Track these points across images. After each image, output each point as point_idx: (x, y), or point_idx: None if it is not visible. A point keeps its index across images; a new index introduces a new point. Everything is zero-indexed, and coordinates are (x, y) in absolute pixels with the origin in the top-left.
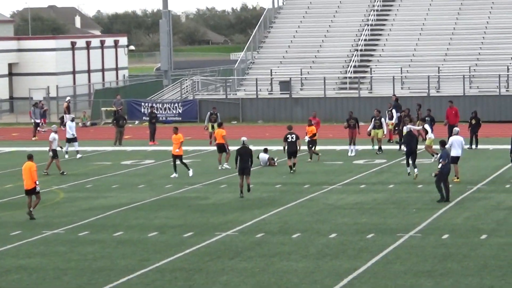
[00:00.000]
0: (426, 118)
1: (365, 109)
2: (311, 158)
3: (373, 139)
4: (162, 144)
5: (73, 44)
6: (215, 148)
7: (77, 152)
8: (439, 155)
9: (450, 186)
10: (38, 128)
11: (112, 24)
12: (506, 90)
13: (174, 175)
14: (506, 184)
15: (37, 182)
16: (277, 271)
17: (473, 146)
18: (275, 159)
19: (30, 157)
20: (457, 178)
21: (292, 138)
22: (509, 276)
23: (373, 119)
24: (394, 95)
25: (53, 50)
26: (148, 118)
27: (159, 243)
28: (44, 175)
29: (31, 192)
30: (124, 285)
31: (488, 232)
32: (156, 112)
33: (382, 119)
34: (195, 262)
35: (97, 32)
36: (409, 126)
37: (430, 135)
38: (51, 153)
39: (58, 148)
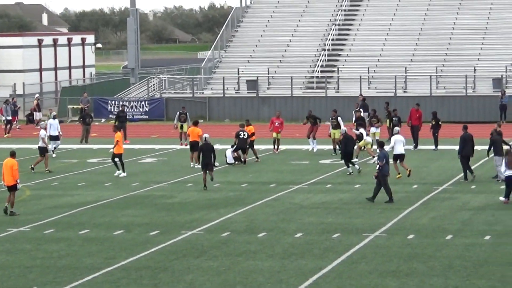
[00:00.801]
0: (394, 118)
1: (332, 108)
2: (257, 158)
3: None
4: (132, 142)
5: (40, 41)
6: (182, 147)
7: (53, 150)
8: (377, 156)
9: (416, 186)
10: (12, 126)
11: (80, 22)
12: (473, 91)
13: (119, 173)
14: (471, 184)
15: (18, 181)
16: (242, 270)
17: (434, 147)
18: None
19: (12, 154)
20: (399, 174)
21: (244, 135)
22: (473, 277)
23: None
24: (361, 95)
25: (19, 47)
26: (115, 116)
27: (125, 241)
28: (46, 173)
29: (12, 188)
30: (90, 283)
31: (454, 232)
32: (125, 111)
33: (339, 119)
34: (161, 261)
35: (64, 30)
36: (343, 128)
37: (366, 138)
38: (50, 147)
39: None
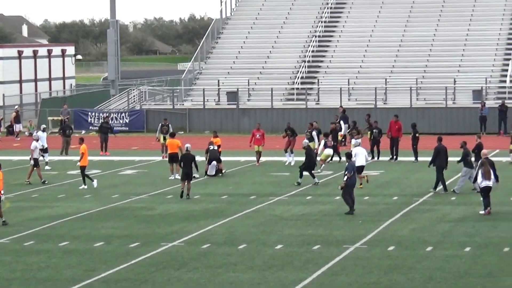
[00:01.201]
0: (374, 130)
1: (312, 120)
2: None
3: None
4: (112, 154)
5: (20, 53)
6: (163, 159)
7: (46, 163)
8: (345, 168)
9: (396, 198)
10: None
11: (60, 33)
12: (453, 102)
13: (92, 185)
14: (451, 196)
15: (2, 192)
16: (223, 282)
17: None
18: (224, 171)
19: None
20: (361, 185)
21: (213, 147)
22: None
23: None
24: (341, 106)
25: None
26: (98, 128)
27: (105, 253)
28: (26, 184)
29: None
30: None
31: (434, 244)
32: (110, 123)
33: (314, 133)
34: (141, 273)
35: (44, 41)
36: (305, 141)
37: (326, 151)
38: (32, 162)
39: (41, 158)
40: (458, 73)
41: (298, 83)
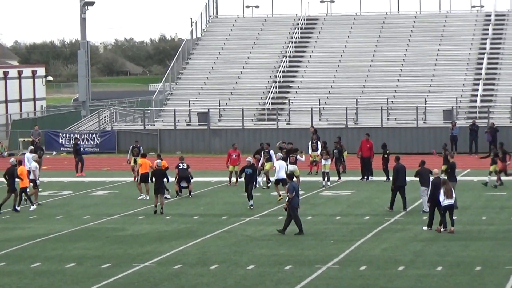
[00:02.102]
0: (334, 151)
1: (282, 140)
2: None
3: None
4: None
5: None
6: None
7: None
8: (287, 188)
9: (367, 218)
10: None
11: (30, 55)
12: (424, 122)
13: (33, 208)
14: (423, 215)
15: None
16: None
17: (385, 178)
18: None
19: None
20: (281, 196)
21: (183, 166)
22: None
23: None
24: (312, 126)
25: None
26: (72, 150)
27: (77, 274)
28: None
29: None
30: None
31: (406, 263)
32: (79, 144)
33: (271, 152)
34: None
35: (15, 63)
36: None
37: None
38: (38, 182)
39: (38, 180)
40: (429, 93)
41: (269, 104)
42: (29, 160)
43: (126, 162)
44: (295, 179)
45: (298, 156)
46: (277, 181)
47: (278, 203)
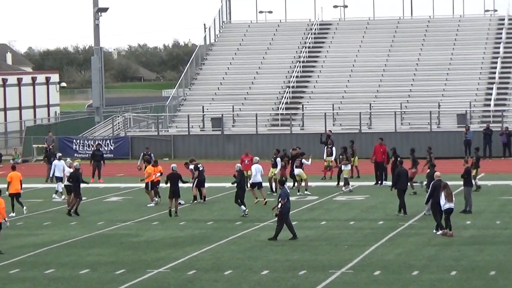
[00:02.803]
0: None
1: (297, 145)
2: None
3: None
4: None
5: (4, 81)
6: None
7: (59, 192)
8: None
9: (381, 223)
10: None
11: (44, 61)
12: (437, 127)
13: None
14: None
15: (6, 219)
16: None
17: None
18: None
19: None
20: (258, 199)
21: (201, 167)
22: None
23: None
24: (329, 131)
25: None
26: (91, 156)
27: (91, 280)
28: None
29: None
30: None
31: (420, 268)
32: (102, 150)
33: (278, 159)
34: None
35: (29, 69)
36: (237, 165)
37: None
38: (57, 188)
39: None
40: (443, 97)
41: (283, 109)
42: (58, 167)
43: (137, 168)
44: (287, 185)
45: (304, 160)
46: (253, 185)
47: (258, 206)
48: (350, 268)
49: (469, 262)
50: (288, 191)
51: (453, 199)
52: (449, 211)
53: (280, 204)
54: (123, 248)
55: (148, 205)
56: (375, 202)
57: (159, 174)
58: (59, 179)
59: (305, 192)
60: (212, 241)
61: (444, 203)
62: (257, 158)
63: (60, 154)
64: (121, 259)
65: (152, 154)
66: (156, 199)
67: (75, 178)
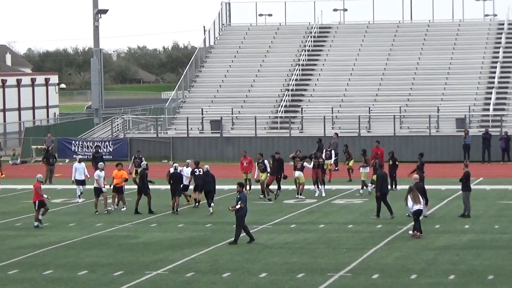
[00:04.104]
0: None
1: (295, 148)
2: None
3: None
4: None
5: (3, 82)
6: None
7: (79, 195)
8: (239, 197)
9: (380, 226)
10: None
11: (43, 62)
12: (436, 131)
13: None
14: (435, 224)
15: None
16: None
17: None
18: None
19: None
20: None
21: (199, 172)
22: None
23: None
24: (336, 133)
25: None
26: (91, 158)
27: (89, 282)
28: (105, 214)
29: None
30: None
31: (418, 272)
32: (100, 151)
33: (266, 162)
34: None
35: (28, 70)
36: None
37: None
38: (105, 189)
39: (105, 187)
40: (442, 101)
41: (282, 112)
42: (78, 170)
43: (128, 171)
44: (246, 189)
45: (305, 163)
46: (186, 187)
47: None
48: (348, 272)
49: (467, 266)
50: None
51: (421, 201)
52: (417, 212)
53: (239, 206)
54: (122, 249)
55: (121, 209)
56: (374, 205)
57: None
58: (80, 182)
59: (300, 196)
60: (211, 244)
61: (412, 205)
62: (189, 161)
63: (81, 157)
64: (120, 260)
65: (143, 158)
66: (114, 206)
67: (143, 177)
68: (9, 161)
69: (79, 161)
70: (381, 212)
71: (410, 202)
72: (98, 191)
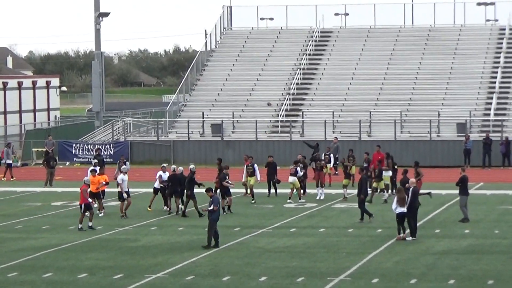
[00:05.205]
0: (350, 159)
1: (296, 152)
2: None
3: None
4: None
5: (4, 84)
6: (147, 190)
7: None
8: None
9: (380, 230)
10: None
11: (44, 65)
12: (437, 135)
13: None
14: (435, 229)
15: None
16: None
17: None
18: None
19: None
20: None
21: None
22: None
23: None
24: (335, 138)
25: None
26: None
27: (89, 285)
28: (122, 218)
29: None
30: None
31: (418, 276)
32: (101, 154)
33: (255, 165)
34: None
35: (29, 73)
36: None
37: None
38: (125, 195)
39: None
40: (443, 106)
41: (283, 116)
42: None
43: (114, 178)
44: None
45: (298, 169)
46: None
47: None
48: (348, 276)
49: (467, 271)
50: (217, 198)
51: (406, 204)
52: (401, 215)
53: (212, 207)
54: (122, 252)
55: (99, 214)
56: (373, 210)
57: (104, 183)
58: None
59: (300, 200)
60: (211, 247)
61: (395, 207)
62: (390, 173)
63: (96, 161)
64: (119, 263)
65: (128, 163)
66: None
67: (188, 180)
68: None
69: (94, 165)
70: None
71: (394, 204)
72: (121, 195)
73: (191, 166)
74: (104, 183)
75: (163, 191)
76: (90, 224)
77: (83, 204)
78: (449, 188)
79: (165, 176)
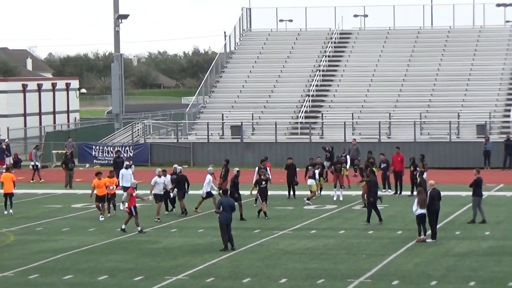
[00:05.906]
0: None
1: (315, 154)
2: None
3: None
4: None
5: (24, 86)
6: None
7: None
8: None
9: (400, 232)
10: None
11: (64, 67)
12: (457, 137)
13: (6, 212)
14: (456, 230)
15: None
16: None
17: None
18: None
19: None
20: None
21: (263, 184)
22: None
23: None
24: (354, 139)
25: (4, 92)
26: (113, 163)
27: (109, 287)
28: (156, 222)
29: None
30: None
31: (438, 278)
32: (121, 156)
33: (268, 168)
34: None
35: (49, 75)
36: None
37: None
38: (150, 197)
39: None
40: (462, 107)
41: (302, 117)
42: (125, 177)
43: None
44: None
45: (316, 171)
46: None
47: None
48: (369, 278)
49: (487, 273)
50: (226, 201)
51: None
52: (421, 216)
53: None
54: (142, 254)
55: (100, 218)
56: (394, 211)
57: (114, 186)
58: (126, 189)
59: (307, 201)
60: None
61: (416, 209)
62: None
63: (128, 163)
64: (140, 265)
65: (133, 166)
66: (108, 214)
67: (235, 185)
68: (30, 166)
69: (126, 168)
70: (397, 219)
71: (415, 206)
72: (156, 197)
73: (209, 168)
74: (114, 186)
75: (165, 195)
76: (138, 229)
77: (132, 207)
78: (469, 190)
79: (161, 180)
